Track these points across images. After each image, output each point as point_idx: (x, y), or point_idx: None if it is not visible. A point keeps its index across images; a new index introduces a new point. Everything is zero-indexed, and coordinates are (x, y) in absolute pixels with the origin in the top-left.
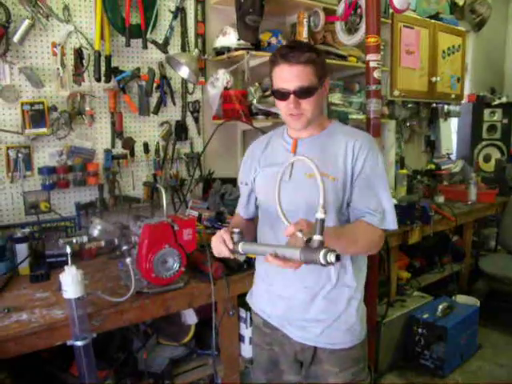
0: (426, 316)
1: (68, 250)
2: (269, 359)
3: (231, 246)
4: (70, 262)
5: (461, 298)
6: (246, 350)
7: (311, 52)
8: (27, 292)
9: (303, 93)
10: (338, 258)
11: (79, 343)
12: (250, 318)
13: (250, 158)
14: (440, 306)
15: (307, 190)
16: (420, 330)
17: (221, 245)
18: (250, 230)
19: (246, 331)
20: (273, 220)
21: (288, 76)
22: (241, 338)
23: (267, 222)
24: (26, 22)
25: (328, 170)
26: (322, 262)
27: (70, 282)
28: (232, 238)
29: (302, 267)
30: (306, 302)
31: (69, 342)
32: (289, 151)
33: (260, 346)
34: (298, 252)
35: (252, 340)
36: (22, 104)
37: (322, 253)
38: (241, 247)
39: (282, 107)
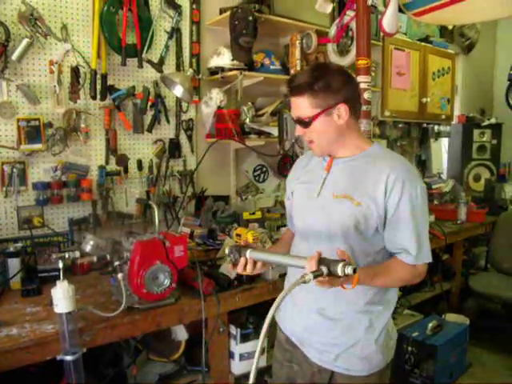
0: (415, 334)
1: (60, 264)
2: (287, 377)
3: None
4: (62, 276)
5: (450, 317)
6: (236, 367)
7: (310, 82)
8: (18, 306)
9: (300, 123)
10: (354, 270)
11: (69, 358)
12: (241, 335)
13: (293, 171)
14: (430, 325)
15: (330, 212)
16: (410, 349)
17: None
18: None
19: (236, 348)
20: (303, 235)
21: (292, 105)
22: (231, 355)
23: (298, 237)
24: (25, 41)
25: (354, 194)
26: (340, 273)
27: (62, 296)
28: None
29: (316, 290)
30: (321, 324)
31: (59, 357)
32: (323, 169)
33: (280, 362)
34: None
35: (274, 355)
36: (19, 120)
37: (340, 263)
38: (248, 254)
39: None
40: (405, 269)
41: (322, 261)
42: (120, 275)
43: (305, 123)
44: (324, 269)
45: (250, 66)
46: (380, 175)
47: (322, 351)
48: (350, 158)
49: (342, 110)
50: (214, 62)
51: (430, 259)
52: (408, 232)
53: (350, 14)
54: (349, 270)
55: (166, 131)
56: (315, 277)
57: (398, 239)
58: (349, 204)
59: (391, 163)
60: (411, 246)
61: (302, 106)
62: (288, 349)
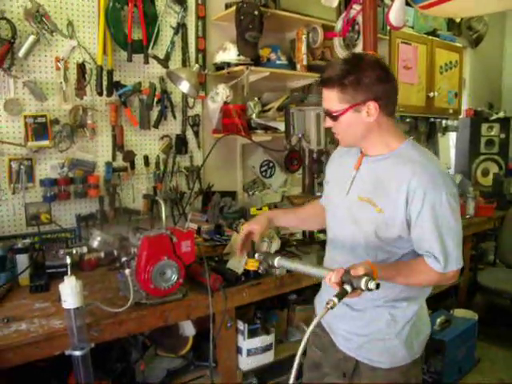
0: None
1: (68, 260)
2: (313, 360)
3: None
4: (69, 272)
5: (459, 312)
6: (244, 362)
7: (340, 76)
8: (27, 302)
9: (329, 115)
10: (377, 286)
11: (77, 353)
12: (248, 331)
13: (331, 161)
14: (438, 320)
15: (354, 214)
16: None
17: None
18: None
19: (244, 343)
20: (331, 241)
21: (323, 95)
22: (238, 350)
23: (327, 242)
24: (31, 38)
25: (377, 199)
26: (363, 288)
27: (70, 292)
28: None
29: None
30: (347, 314)
31: (67, 352)
32: (353, 166)
33: (310, 345)
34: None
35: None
36: (26, 117)
37: (364, 279)
38: (276, 262)
39: None
40: (432, 273)
41: (345, 276)
42: (127, 271)
43: (333, 117)
44: (348, 287)
45: (256, 61)
46: (402, 182)
47: (347, 339)
48: (377, 158)
49: (372, 107)
50: (220, 58)
51: (460, 265)
52: (433, 242)
53: (357, 7)
54: (372, 285)
55: (173, 127)
56: (340, 299)
57: (423, 246)
58: (371, 209)
59: (414, 168)
60: (438, 255)
61: (331, 99)
62: (318, 333)
